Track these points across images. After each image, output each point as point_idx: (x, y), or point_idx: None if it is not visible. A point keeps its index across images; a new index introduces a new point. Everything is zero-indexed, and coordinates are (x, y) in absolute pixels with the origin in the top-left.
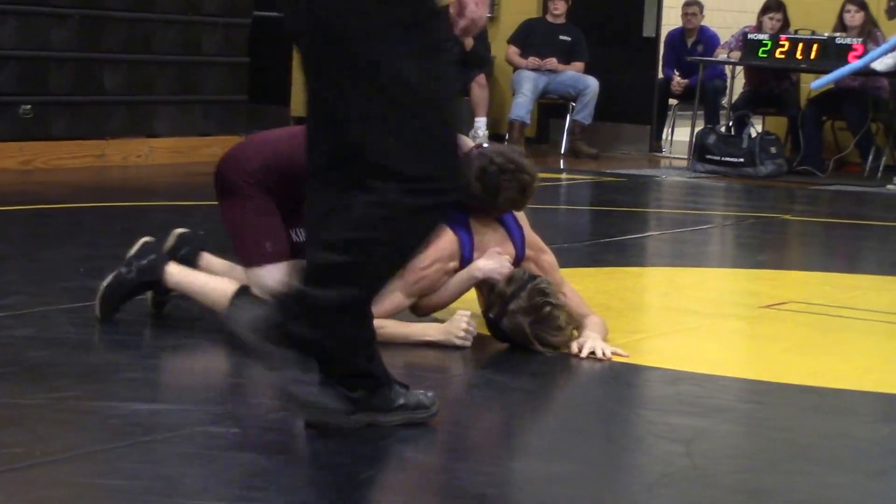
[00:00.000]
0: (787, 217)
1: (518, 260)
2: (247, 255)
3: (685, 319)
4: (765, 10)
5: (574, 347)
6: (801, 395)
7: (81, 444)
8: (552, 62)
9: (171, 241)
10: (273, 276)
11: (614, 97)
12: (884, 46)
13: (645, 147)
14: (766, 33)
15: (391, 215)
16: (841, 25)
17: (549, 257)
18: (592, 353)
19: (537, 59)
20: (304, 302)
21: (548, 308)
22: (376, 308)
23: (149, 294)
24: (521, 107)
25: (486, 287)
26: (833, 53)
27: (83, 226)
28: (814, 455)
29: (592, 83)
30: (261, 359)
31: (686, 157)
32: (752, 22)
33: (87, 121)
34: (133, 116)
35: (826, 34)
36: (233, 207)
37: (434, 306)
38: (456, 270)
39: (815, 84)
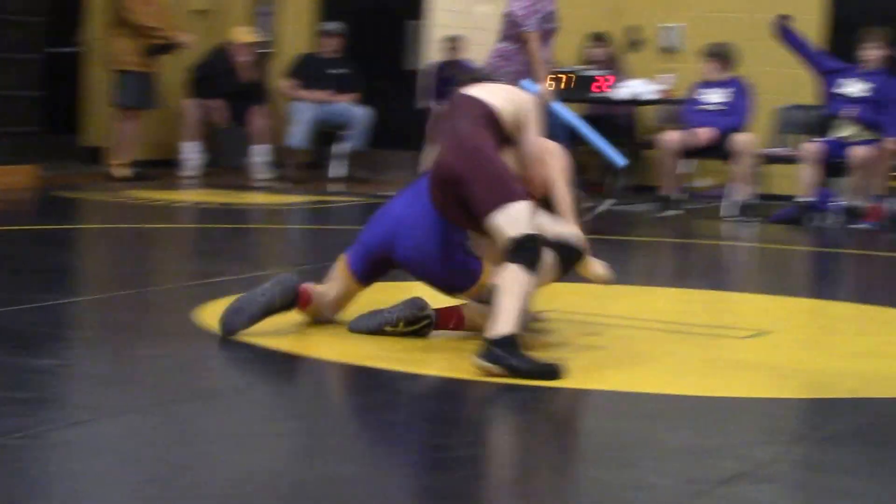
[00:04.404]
0: None
1: None
2: (505, 195)
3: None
4: None
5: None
6: (553, 396)
7: None
8: (326, 94)
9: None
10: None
11: (384, 125)
12: (600, 142)
13: (415, 171)
14: None
15: None
16: (586, 59)
17: None
18: None
19: (313, 91)
20: None
21: None
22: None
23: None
24: (299, 135)
25: None
26: (580, 85)
27: None
28: (563, 451)
29: (364, 113)
30: None
31: None
32: None
33: None
34: None
35: (572, 67)
36: (478, 162)
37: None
38: None
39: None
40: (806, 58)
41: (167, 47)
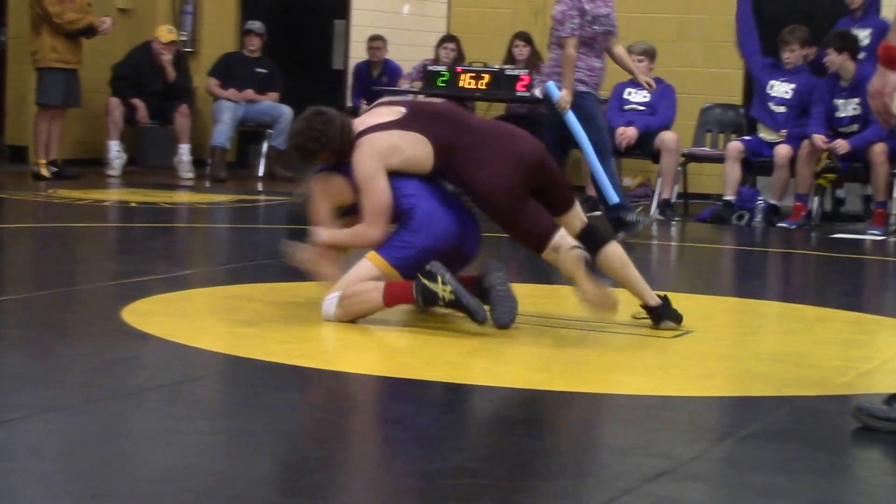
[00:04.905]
0: None
1: None
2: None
3: (375, 325)
4: (440, 43)
5: None
6: (481, 395)
7: None
8: (249, 93)
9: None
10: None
11: None
12: (599, 172)
13: None
14: (443, 65)
15: None
16: (510, 58)
17: None
18: None
19: (236, 90)
20: None
21: None
22: None
23: None
24: (222, 134)
25: None
26: (503, 83)
27: None
28: (490, 449)
29: (287, 111)
30: None
31: None
32: (431, 56)
33: None
34: None
35: (497, 66)
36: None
37: None
38: None
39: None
40: (743, 47)
41: (88, 31)
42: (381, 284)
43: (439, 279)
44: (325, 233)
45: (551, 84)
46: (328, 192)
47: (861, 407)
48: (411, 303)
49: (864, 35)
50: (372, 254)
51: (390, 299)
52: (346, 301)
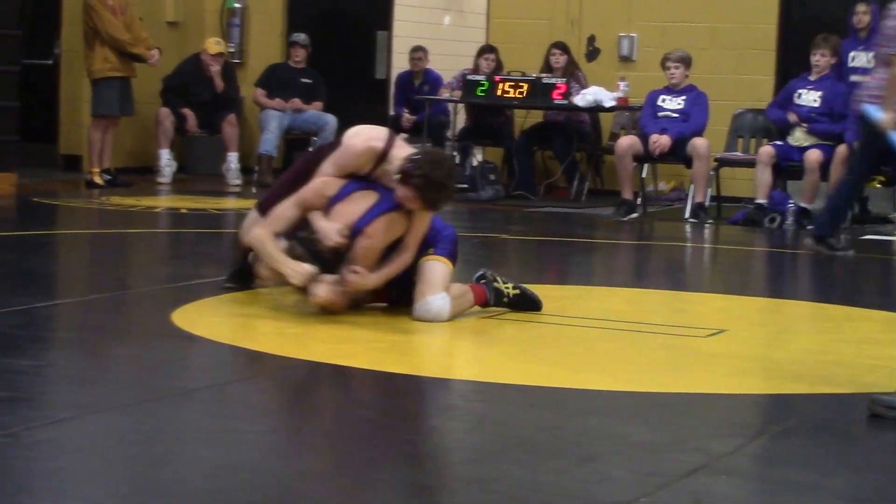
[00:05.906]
0: (506, 236)
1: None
2: None
3: (416, 326)
4: (480, 53)
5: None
6: (518, 394)
7: None
8: (295, 102)
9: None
10: None
11: None
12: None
13: None
14: (483, 74)
15: None
16: (547, 67)
17: (366, 242)
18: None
19: (282, 100)
20: None
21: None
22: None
23: None
24: (269, 142)
25: None
26: (540, 92)
27: None
28: (528, 446)
29: (331, 120)
30: None
31: None
32: (471, 65)
33: None
34: None
35: (534, 75)
36: None
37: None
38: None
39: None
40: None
41: (137, 58)
42: (468, 287)
43: (500, 280)
44: (374, 276)
45: (871, 107)
46: (391, 232)
47: (875, 398)
48: (483, 301)
49: (868, 58)
50: (436, 257)
51: (478, 299)
52: (456, 302)
